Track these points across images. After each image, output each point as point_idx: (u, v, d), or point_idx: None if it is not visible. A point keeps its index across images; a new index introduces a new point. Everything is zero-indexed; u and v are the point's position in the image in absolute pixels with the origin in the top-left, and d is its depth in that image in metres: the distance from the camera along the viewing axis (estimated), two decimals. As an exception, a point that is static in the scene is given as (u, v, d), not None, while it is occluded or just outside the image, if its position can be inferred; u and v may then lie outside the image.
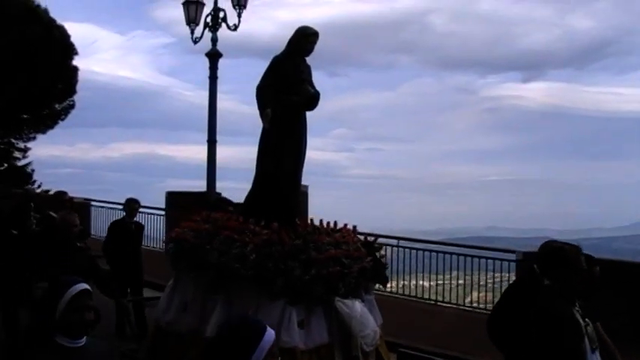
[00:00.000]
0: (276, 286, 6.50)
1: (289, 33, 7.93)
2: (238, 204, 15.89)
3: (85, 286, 3.45)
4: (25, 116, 34.09)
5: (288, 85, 7.68)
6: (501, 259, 13.28)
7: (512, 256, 12.84)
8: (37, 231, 10.88)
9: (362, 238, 8.05)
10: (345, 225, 7.88)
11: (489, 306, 13.56)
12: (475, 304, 13.84)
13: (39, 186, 31.26)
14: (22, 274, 7.71)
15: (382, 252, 7.97)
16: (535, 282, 4.84)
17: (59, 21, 33.66)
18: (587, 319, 4.40)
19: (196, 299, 7.06)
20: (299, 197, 7.99)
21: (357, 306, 6.84)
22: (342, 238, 7.42)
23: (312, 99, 7.75)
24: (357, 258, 7.08)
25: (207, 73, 14.68)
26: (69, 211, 7.18)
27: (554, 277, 4.39)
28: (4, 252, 8.59)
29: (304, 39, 7.80)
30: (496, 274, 14.03)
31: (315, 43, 7.84)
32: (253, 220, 7.19)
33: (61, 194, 10.18)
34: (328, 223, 7.87)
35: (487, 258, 13.50)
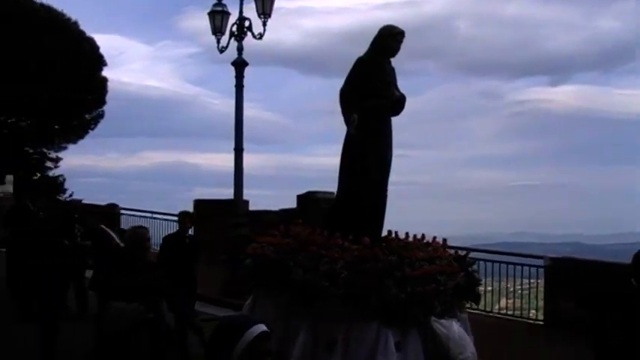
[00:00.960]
0: (370, 305, 5.97)
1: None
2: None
3: (264, 327, 3.09)
4: (56, 127, 34.58)
5: (373, 87, 7.21)
6: (530, 265, 13.17)
7: (540, 262, 12.75)
8: (87, 245, 11.01)
9: (452, 252, 7.56)
10: (434, 238, 7.36)
11: (518, 312, 13.50)
12: (504, 311, 13.73)
13: (70, 195, 31.63)
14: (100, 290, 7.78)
15: (474, 267, 7.45)
16: (635, 296, 4.80)
17: (88, 33, 34.16)
18: None
19: (278, 320, 6.50)
20: (385, 208, 7.40)
21: (455, 326, 6.37)
22: (434, 252, 6.90)
23: (398, 102, 7.33)
24: (450, 274, 6.55)
25: (233, 81, 14.77)
26: (139, 225, 6.92)
27: None
28: (55, 262, 8.71)
29: (391, 38, 7.31)
30: (524, 281, 13.94)
31: (401, 42, 7.36)
32: (340, 234, 6.69)
33: (113, 207, 10.08)
34: (415, 236, 7.34)
35: (515, 264, 13.38)
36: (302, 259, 6.46)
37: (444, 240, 7.31)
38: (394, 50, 7.38)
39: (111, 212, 9.80)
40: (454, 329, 6.27)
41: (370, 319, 6.00)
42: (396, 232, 7.37)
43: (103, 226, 9.61)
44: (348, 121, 7.13)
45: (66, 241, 9.34)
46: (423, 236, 7.30)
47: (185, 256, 9.60)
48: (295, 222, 7.63)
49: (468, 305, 7.78)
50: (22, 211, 12.41)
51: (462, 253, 7.60)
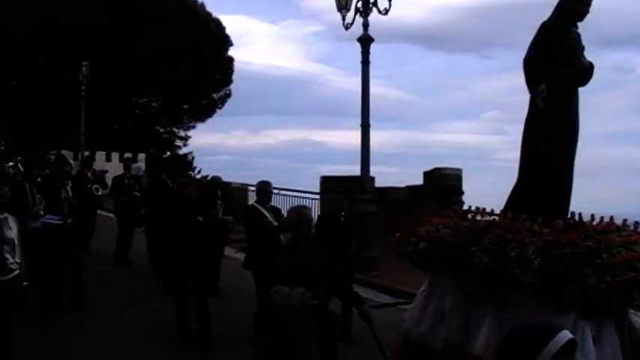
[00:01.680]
0: (568, 296, 5.42)
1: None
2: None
3: (570, 335, 2.77)
4: (185, 106, 35.74)
5: (559, 55, 6.59)
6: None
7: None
8: (229, 220, 10.94)
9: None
10: (625, 221, 6.47)
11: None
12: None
13: (199, 172, 32.62)
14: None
15: None
16: None
17: (214, 14, 35.03)
18: None
19: (457, 309, 6.02)
20: (572, 188, 6.75)
21: None
22: (628, 237, 6.09)
23: (586, 71, 6.68)
24: (647, 261, 5.90)
25: (358, 58, 14.78)
26: (302, 205, 6.58)
27: None
28: (190, 240, 8.77)
29: (578, 1, 6.62)
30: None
31: (589, 5, 6.66)
32: (526, 216, 6.10)
33: (265, 185, 9.47)
34: (602, 218, 6.52)
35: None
36: (487, 243, 5.89)
37: (636, 223, 6.47)
38: (581, 14, 6.70)
39: (263, 190, 9.35)
40: None
41: (566, 311, 5.43)
42: (579, 215, 6.66)
43: (255, 203, 9.32)
44: (534, 91, 6.54)
45: (200, 217, 9.14)
46: (612, 219, 6.48)
47: (340, 235, 9.27)
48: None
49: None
50: (160, 189, 12.76)
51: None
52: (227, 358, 8.38)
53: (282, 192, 21.09)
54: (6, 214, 6.96)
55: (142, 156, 33.58)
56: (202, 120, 36.95)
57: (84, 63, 28.30)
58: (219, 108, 36.54)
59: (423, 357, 6.02)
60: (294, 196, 20.40)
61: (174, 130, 37.78)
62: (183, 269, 8.70)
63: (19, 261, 6.92)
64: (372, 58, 14.73)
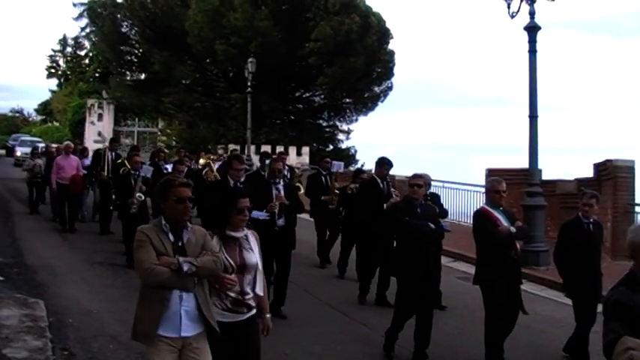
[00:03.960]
0: None
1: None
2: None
3: None
4: (348, 100, 36.22)
5: None
6: None
7: None
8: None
9: None
10: None
11: None
12: None
13: (362, 165, 32.93)
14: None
15: None
16: None
17: (375, 9, 35.42)
18: None
19: None
20: None
21: None
22: None
23: None
24: None
25: (524, 47, 14.38)
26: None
27: None
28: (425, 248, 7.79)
29: None
30: None
31: None
32: None
33: (494, 183, 7.85)
34: None
35: None
36: None
37: None
38: None
39: (491, 189, 7.68)
40: None
41: None
42: None
43: (485, 205, 7.92)
44: None
45: (432, 225, 7.94)
46: None
47: (586, 244, 7.90)
48: None
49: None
50: (369, 189, 11.05)
51: None
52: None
53: (447, 185, 21.03)
54: (246, 231, 5.25)
55: (305, 150, 34.33)
56: (365, 113, 37.37)
57: (249, 60, 29.14)
58: (382, 101, 36.81)
59: None
60: (458, 189, 20.26)
61: (337, 123, 38.39)
62: (411, 283, 7.66)
63: (260, 293, 5.26)
64: (537, 46, 14.30)
